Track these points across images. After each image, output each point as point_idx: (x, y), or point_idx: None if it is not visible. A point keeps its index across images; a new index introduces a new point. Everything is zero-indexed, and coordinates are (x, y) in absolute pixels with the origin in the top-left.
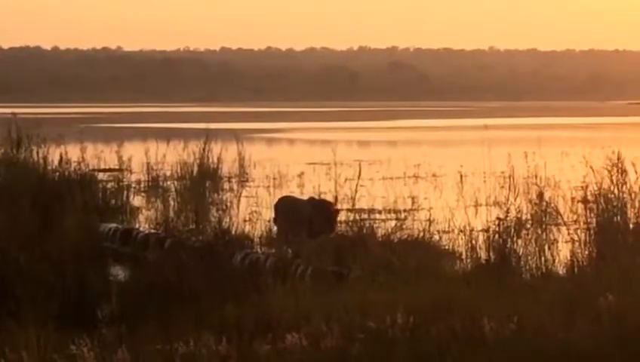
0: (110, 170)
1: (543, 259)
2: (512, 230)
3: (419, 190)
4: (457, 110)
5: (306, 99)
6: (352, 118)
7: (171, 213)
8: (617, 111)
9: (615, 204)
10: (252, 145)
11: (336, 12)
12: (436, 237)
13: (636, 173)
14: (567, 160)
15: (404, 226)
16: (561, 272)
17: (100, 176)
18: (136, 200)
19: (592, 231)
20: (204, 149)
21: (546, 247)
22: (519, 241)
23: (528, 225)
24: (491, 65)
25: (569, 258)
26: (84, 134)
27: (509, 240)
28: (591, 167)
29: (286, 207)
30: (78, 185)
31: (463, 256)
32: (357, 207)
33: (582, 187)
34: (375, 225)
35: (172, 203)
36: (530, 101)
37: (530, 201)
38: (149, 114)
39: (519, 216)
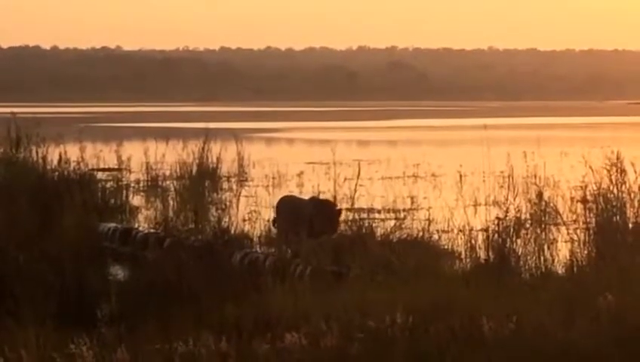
0: (109, 169)
1: (542, 258)
2: (512, 230)
3: (418, 190)
4: (457, 110)
5: (306, 98)
6: (351, 117)
7: (170, 213)
8: (617, 111)
9: (614, 203)
10: (251, 144)
11: (336, 12)
12: (435, 236)
13: (635, 172)
14: (566, 160)
15: (403, 226)
16: (560, 272)
17: (100, 175)
18: (136, 200)
19: (591, 231)
20: (203, 149)
21: (546, 247)
22: (518, 241)
23: (527, 225)
24: (491, 64)
25: (568, 257)
26: (83, 134)
27: (509, 239)
28: (590, 167)
29: (287, 207)
30: (77, 184)
31: (462, 256)
32: (356, 206)
33: (581, 187)
34: (374, 225)
35: (171, 202)
36: (529, 101)
37: (530, 201)
38: (149, 113)
39: (518, 215)
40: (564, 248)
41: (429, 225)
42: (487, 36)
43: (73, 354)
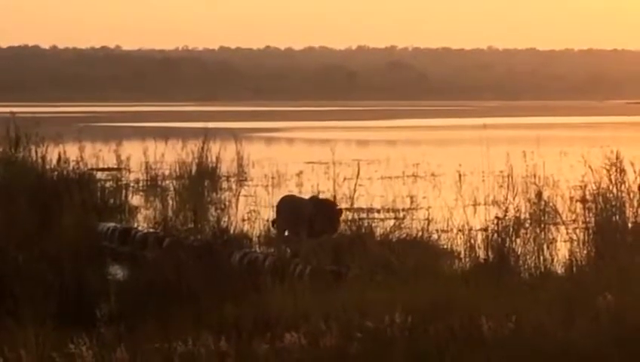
0: (109, 169)
1: (541, 258)
2: (511, 229)
3: (417, 189)
4: (456, 109)
5: (305, 98)
6: (350, 117)
7: (170, 213)
8: (616, 111)
9: (614, 203)
10: (251, 144)
11: (335, 11)
12: (435, 236)
13: (635, 172)
14: (565, 159)
15: (402, 225)
16: (559, 271)
17: (99, 175)
18: (135, 200)
19: (590, 231)
20: (202, 148)
21: (545, 247)
22: (518, 241)
23: (527, 225)
24: (490, 64)
25: (568, 257)
26: (82, 133)
27: (508, 239)
28: (590, 167)
29: (287, 207)
30: (76, 184)
31: (462, 256)
32: (355, 206)
33: (580, 186)
34: (374, 225)
35: (171, 202)
36: (528, 100)
37: (529, 201)
38: (148, 113)
39: (518, 215)
40: (563, 248)
41: (429, 224)
42: (486, 36)
43: (72, 354)
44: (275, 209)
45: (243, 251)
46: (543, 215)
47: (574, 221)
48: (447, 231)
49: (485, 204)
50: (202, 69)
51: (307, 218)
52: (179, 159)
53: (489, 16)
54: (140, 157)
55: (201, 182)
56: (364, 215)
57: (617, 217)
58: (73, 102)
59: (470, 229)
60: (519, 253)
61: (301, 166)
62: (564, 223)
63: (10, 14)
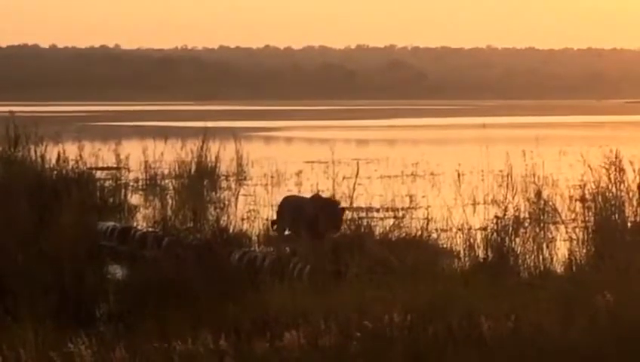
0: (108, 168)
1: (540, 257)
2: (510, 228)
3: (417, 188)
4: (455, 108)
5: (304, 97)
6: (350, 116)
7: (169, 212)
8: (615, 110)
9: (613, 202)
10: (250, 143)
11: (335, 11)
12: (434, 235)
13: (634, 171)
14: (565, 158)
15: (401, 225)
16: (559, 271)
17: (98, 174)
18: (134, 199)
19: (589, 230)
20: (202, 148)
21: (544, 246)
22: (517, 240)
23: (526, 224)
24: (489, 63)
25: (567, 256)
26: (81, 132)
27: (507, 238)
28: (589, 166)
29: (289, 207)
30: (75, 183)
31: (461, 255)
32: (355, 205)
33: (580, 185)
34: (373, 224)
35: (170, 201)
36: (528, 100)
37: (528, 200)
38: (147, 112)
39: (517, 214)
40: (562, 247)
41: (428, 224)
42: (485, 35)
43: (71, 353)
44: (275, 209)
45: (242, 250)
46: (542, 214)
47: (573, 220)
48: (446, 231)
49: (484, 204)
50: (201, 68)
51: (309, 217)
52: (178, 158)
53: (488, 15)
54: (139, 157)
55: (200, 182)
56: (363, 214)
57: (616, 216)
58: (72, 101)
59: (469, 228)
60: (518, 252)
61: (300, 165)
62: (563, 222)
63: (10, 14)
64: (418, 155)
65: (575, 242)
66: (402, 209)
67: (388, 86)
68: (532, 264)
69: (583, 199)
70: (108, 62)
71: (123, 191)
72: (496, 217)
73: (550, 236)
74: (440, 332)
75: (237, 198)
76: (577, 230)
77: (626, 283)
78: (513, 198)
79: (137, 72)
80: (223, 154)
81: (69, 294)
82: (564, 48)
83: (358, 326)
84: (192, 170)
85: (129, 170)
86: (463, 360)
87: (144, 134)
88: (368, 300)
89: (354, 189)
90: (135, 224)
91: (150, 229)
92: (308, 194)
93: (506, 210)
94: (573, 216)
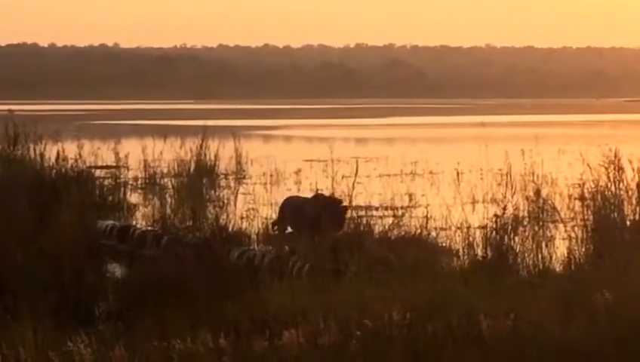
0: (107, 166)
1: (540, 256)
2: (509, 227)
3: (416, 187)
4: (454, 107)
5: (303, 96)
6: (349, 115)
7: (168, 210)
8: (614, 109)
9: (612, 201)
10: (249, 142)
11: (334, 9)
12: (433, 234)
13: (633, 170)
14: (564, 157)
15: (401, 223)
16: (558, 269)
17: (97, 173)
18: (134, 198)
19: (588, 228)
20: (201, 146)
21: (543, 244)
22: (516, 238)
23: (525, 222)
24: (488, 62)
25: (566, 255)
26: (81, 131)
27: (506, 237)
28: (588, 165)
29: (291, 207)
30: (75, 182)
31: (460, 253)
32: (354, 204)
33: (579, 184)
34: (372, 222)
35: (169, 200)
36: (527, 98)
37: (528, 198)
38: (146, 111)
39: (516, 213)
40: (561, 245)
41: (427, 222)
42: (484, 34)
43: (71, 352)
44: (275, 208)
45: (241, 249)
46: (541, 213)
47: (573, 219)
48: (445, 229)
49: (484, 202)
50: (200, 66)
51: (311, 216)
52: (177, 157)
53: (487, 14)
54: (138, 155)
55: (199, 180)
56: (362, 213)
57: (615, 215)
58: (72, 99)
59: (469, 227)
60: (518, 250)
61: (299, 164)
62: (562, 221)
63: (9, 12)
64: (417, 154)
65: (574, 241)
66: (401, 207)
67: (387, 84)
68: (531, 262)
69: (582, 198)
70: (107, 61)
71: (122, 189)
72: (496, 216)
73: (549, 235)
74: (439, 330)
75: (236, 197)
76: (576, 229)
77: (625, 282)
78: (512, 197)
79: (136, 71)
80: (222, 152)
81: (68, 293)
82: (564, 47)
83: (358, 324)
84: (191, 169)
85: (128, 169)
86: (462, 359)
87: (143, 133)
88: (368, 299)
89: (353, 188)
90: (134, 222)
91: (149, 228)
92: (307, 193)
93: (505, 208)
94: (572, 214)
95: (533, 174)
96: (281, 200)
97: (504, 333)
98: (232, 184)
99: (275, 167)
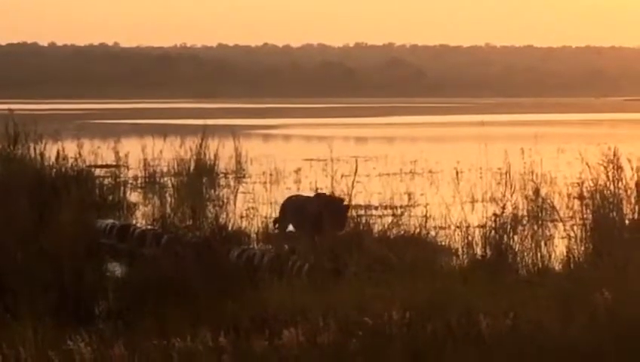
0: (107, 166)
1: (539, 255)
2: (509, 226)
3: (415, 186)
4: (454, 106)
5: (303, 95)
6: (348, 114)
7: (168, 209)
8: (613, 108)
9: (611, 200)
10: (249, 141)
11: (333, 9)
12: (432, 233)
13: (632, 169)
14: (563, 156)
15: (400, 222)
16: (557, 268)
17: (97, 172)
18: (133, 197)
19: (588, 227)
20: (201, 145)
21: (543, 243)
22: (515, 237)
23: (524, 221)
24: (488, 61)
25: (565, 254)
26: (81, 130)
27: (506, 236)
28: (587, 164)
29: (293, 206)
30: (75, 181)
31: (460, 252)
32: (353, 203)
33: (578, 183)
34: (371, 222)
35: (169, 199)
36: (526, 97)
37: (527, 197)
38: (146, 110)
39: (515, 212)
40: (561, 244)
41: (426, 221)
42: (484, 33)
43: (71, 351)
44: (276, 207)
45: (241, 248)
46: (540, 212)
47: (572, 218)
48: (444, 228)
49: (483, 201)
50: (200, 66)
51: (313, 215)
52: (177, 156)
53: (487, 13)
54: (138, 154)
55: (199, 179)
56: (361, 212)
57: (615, 214)
58: (71, 99)
59: (468, 226)
60: (517, 249)
61: (299, 163)
62: (561, 220)
63: (9, 12)
64: (417, 153)
65: (573, 240)
66: (401, 206)
67: (387, 84)
68: (530, 261)
69: (581, 197)
70: (107, 60)
71: (122, 188)
72: (495, 215)
73: (548, 234)
74: (439, 329)
75: (236, 196)
76: (575, 227)
77: (624, 281)
78: (511, 196)
79: (136, 70)
80: (222, 151)
81: (68, 292)
82: (563, 46)
83: (357, 323)
84: (191, 168)
85: (128, 168)
86: (461, 358)
87: (143, 132)
88: (367, 298)
89: (352, 187)
90: (134, 222)
91: (149, 227)
92: (307, 192)
93: (504, 207)
94: (571, 213)
95: (532, 173)
96: (280, 200)
97: (503, 332)
98: (232, 183)
99: (274, 166)
